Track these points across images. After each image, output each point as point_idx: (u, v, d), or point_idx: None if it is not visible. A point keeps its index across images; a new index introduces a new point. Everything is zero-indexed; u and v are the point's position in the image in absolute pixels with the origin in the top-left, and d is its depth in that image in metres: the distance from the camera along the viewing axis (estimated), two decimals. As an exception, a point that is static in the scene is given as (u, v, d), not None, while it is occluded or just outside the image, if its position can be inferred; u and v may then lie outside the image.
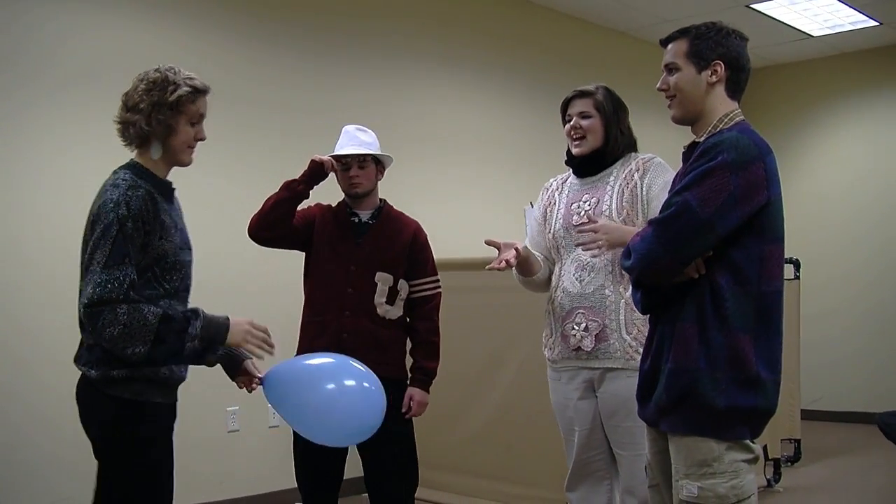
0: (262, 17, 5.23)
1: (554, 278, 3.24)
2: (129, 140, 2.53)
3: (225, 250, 4.82)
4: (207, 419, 4.79)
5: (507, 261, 3.09)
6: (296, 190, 3.37)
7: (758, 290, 2.32)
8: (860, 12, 7.20)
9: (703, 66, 2.42)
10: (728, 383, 2.29)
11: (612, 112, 3.20)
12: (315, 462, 3.40)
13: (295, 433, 3.35)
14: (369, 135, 3.51)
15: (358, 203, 3.50)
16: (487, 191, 6.41)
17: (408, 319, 3.51)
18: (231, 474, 4.89)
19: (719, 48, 2.42)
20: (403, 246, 3.48)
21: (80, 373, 2.48)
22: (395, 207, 3.61)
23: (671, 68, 2.47)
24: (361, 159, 3.43)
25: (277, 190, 3.40)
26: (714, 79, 2.41)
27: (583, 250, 3.01)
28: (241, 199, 5.02)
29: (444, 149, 6.21)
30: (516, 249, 3.11)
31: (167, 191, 2.58)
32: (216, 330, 2.52)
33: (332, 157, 3.42)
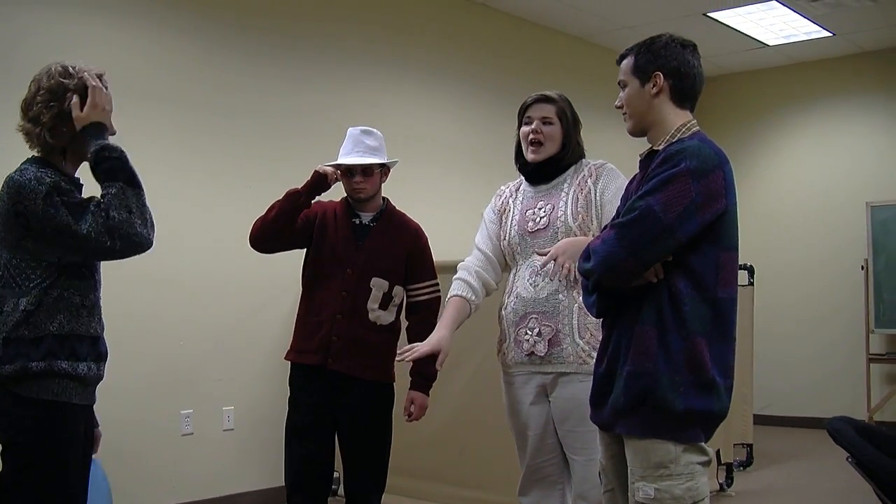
0: (227, 22, 5.19)
1: (508, 284, 3.25)
2: (35, 146, 2.49)
3: (213, 248, 4.84)
4: (160, 422, 4.74)
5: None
6: (297, 201, 3.37)
7: (714, 296, 2.35)
8: (815, 23, 7.32)
9: (645, 79, 2.48)
10: (686, 386, 2.32)
11: (572, 122, 3.23)
12: (308, 460, 3.41)
13: (288, 432, 3.40)
14: (375, 138, 3.48)
15: (361, 206, 3.50)
16: (442, 196, 6.41)
17: (406, 322, 3.53)
18: (184, 478, 4.85)
19: (658, 59, 2.46)
20: (402, 251, 3.49)
21: None
22: (397, 207, 3.60)
23: (622, 85, 2.54)
24: (366, 166, 3.43)
25: (280, 198, 3.37)
26: (655, 90, 2.46)
27: (558, 280, 3.02)
28: (227, 198, 5.02)
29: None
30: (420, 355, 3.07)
31: (78, 189, 2.50)
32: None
33: (335, 165, 3.41)
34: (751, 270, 6.05)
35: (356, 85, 5.92)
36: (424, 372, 3.40)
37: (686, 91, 2.49)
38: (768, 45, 7.89)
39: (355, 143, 3.45)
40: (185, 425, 4.89)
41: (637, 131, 2.54)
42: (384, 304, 3.43)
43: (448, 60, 6.59)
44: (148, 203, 2.44)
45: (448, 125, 6.61)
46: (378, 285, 3.41)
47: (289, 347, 3.49)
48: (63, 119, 2.44)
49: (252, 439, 5.09)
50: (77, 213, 2.34)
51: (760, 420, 6.81)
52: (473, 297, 3.23)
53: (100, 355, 2.52)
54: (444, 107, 6.61)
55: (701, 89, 2.53)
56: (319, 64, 5.69)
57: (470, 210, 5.72)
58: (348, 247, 3.42)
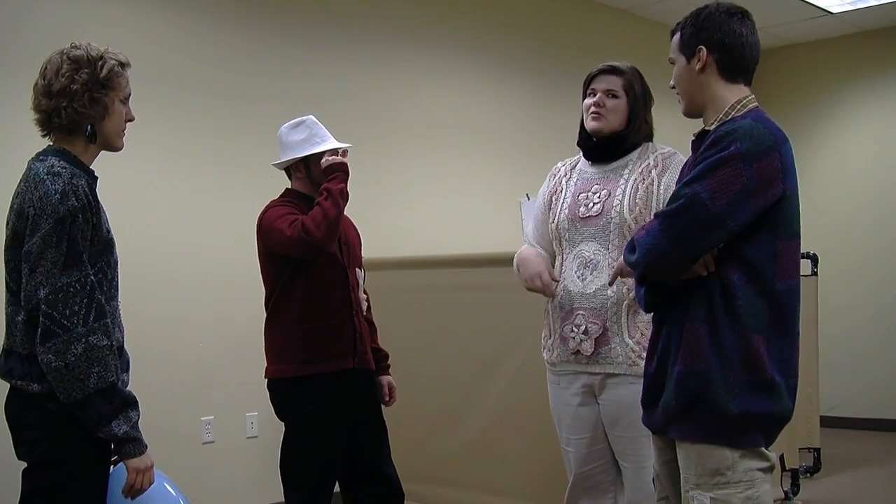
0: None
1: (555, 273, 3.24)
2: (52, 129, 2.49)
3: (233, 244, 4.89)
4: (180, 429, 4.79)
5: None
6: (347, 196, 3.45)
7: (772, 289, 2.33)
8: (883, -14, 7.23)
9: (691, 54, 2.47)
10: (741, 387, 2.30)
11: (641, 96, 3.20)
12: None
13: (329, 445, 3.52)
14: None
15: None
16: (480, 184, 6.42)
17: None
18: (206, 489, 4.89)
19: (702, 32, 2.45)
20: (356, 235, 3.76)
21: (10, 388, 2.44)
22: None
23: (672, 63, 2.54)
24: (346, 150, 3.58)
25: (336, 198, 3.40)
26: (700, 65, 2.45)
27: (608, 275, 3.02)
28: (248, 192, 5.04)
29: (435, 139, 6.22)
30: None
31: (95, 182, 2.52)
32: (136, 437, 2.46)
33: (333, 150, 3.51)
34: (814, 259, 5.99)
35: (384, 67, 5.92)
36: (383, 353, 3.77)
37: (735, 64, 2.46)
38: (831, 13, 7.79)
39: (322, 128, 3.60)
40: (206, 433, 4.93)
41: (691, 112, 2.54)
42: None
43: (486, 40, 6.57)
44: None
45: (484, 110, 6.59)
46: (359, 275, 3.68)
47: (290, 362, 3.51)
48: (95, 86, 2.45)
49: (278, 447, 5.10)
50: (69, 261, 2.34)
51: (828, 422, 6.75)
52: (547, 256, 3.30)
53: (124, 365, 2.56)
54: (480, 90, 6.59)
55: (755, 60, 2.50)
56: (342, 44, 5.70)
57: (510, 197, 5.74)
58: (336, 243, 3.55)
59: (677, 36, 2.52)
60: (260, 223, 3.53)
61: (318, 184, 3.51)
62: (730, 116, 2.42)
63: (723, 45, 2.44)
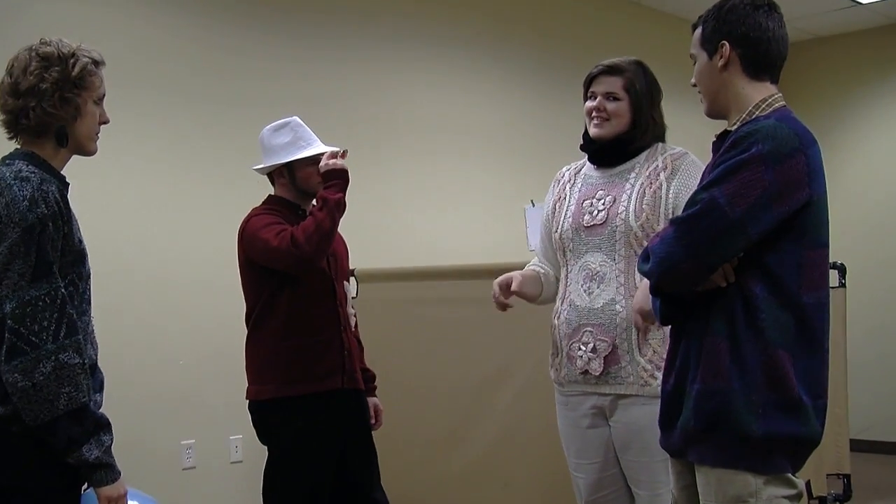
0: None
1: (561, 286, 3.24)
2: (19, 131, 2.48)
3: (216, 256, 4.86)
4: (159, 454, 4.79)
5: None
6: (344, 207, 3.44)
7: (797, 301, 2.32)
8: (917, -25, 7.25)
9: (713, 50, 2.46)
10: (766, 407, 2.29)
11: (645, 94, 3.18)
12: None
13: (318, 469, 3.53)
14: None
15: (308, 201, 3.64)
16: (481, 190, 6.43)
17: None
18: (186, 518, 4.89)
19: (724, 27, 2.44)
20: (343, 246, 3.78)
21: None
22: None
23: (693, 59, 2.53)
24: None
25: (331, 209, 3.38)
26: (722, 62, 2.44)
27: (615, 288, 3.05)
28: (233, 201, 5.02)
29: (435, 143, 6.23)
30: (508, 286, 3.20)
31: (66, 189, 2.51)
32: (109, 463, 2.45)
33: (329, 153, 3.51)
34: (842, 270, 5.98)
35: (378, 67, 5.93)
36: (370, 374, 3.77)
37: (760, 60, 2.44)
38: (861, 3, 7.80)
39: (309, 130, 3.61)
40: (186, 458, 4.93)
41: (714, 112, 2.54)
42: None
43: (485, 36, 6.58)
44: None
45: (486, 111, 6.60)
46: (347, 288, 3.72)
47: (274, 381, 3.51)
48: (66, 86, 2.44)
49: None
50: (38, 273, 2.33)
51: (859, 446, 6.74)
52: (549, 271, 3.32)
53: (98, 384, 2.55)
54: (481, 89, 6.60)
55: (782, 56, 2.50)
56: (335, 43, 5.71)
57: (513, 204, 5.74)
58: None
59: (699, 30, 2.52)
60: (242, 232, 3.52)
61: (302, 190, 3.51)
62: (753, 116, 2.41)
63: (747, 39, 2.43)
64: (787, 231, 2.31)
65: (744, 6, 2.44)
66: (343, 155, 3.49)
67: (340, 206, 3.39)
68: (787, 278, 2.31)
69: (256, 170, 3.68)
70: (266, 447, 3.61)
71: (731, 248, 2.30)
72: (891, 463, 7.58)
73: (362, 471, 3.62)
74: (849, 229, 7.59)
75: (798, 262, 2.32)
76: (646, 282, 2.79)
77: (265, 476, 3.59)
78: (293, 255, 3.30)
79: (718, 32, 2.45)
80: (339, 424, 3.53)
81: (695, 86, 2.55)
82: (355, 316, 3.76)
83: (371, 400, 3.79)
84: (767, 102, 2.43)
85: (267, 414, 3.53)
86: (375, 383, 3.84)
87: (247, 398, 3.59)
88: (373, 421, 3.78)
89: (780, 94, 2.47)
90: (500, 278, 3.23)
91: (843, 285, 6.01)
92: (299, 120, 3.61)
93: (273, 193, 3.68)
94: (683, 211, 2.39)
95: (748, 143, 2.29)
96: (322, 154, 3.50)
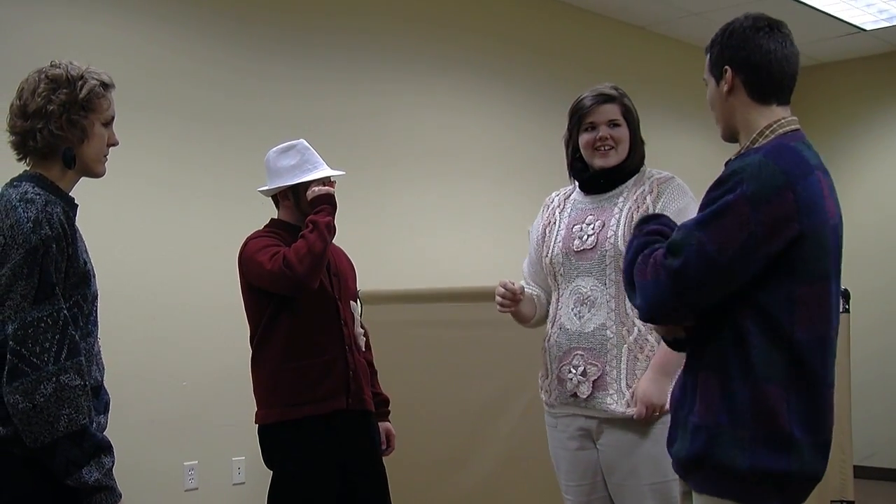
0: (221, 13, 5.24)
1: (551, 309, 3.27)
2: (27, 152, 2.49)
3: (219, 276, 4.89)
4: (161, 475, 4.78)
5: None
6: (334, 230, 3.46)
7: (790, 338, 2.27)
8: (920, 2, 7.26)
9: (719, 76, 2.45)
10: (753, 442, 2.27)
11: (636, 119, 3.24)
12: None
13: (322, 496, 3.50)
14: None
15: None
16: (483, 211, 6.45)
17: None
18: (187, 540, 4.88)
19: (726, 51, 2.43)
20: (349, 266, 3.77)
21: None
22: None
23: (706, 84, 2.52)
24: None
25: (322, 231, 3.39)
26: (726, 87, 2.42)
27: (606, 313, 3.07)
28: (236, 220, 5.03)
29: (437, 164, 6.24)
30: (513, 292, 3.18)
31: (73, 210, 2.52)
32: (110, 485, 2.44)
33: (320, 180, 3.54)
34: (846, 295, 5.96)
35: (383, 88, 5.96)
36: (383, 398, 3.75)
37: (764, 84, 2.41)
38: (864, 30, 7.83)
39: (314, 154, 3.60)
40: (188, 479, 4.92)
41: (727, 136, 2.52)
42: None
43: (488, 60, 6.61)
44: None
45: (488, 133, 6.63)
46: (354, 308, 3.68)
47: (278, 405, 3.50)
48: (73, 108, 2.45)
49: (266, 494, 5.10)
50: (41, 295, 2.33)
51: (862, 473, 6.70)
52: (541, 294, 3.33)
53: (103, 406, 2.55)
54: (484, 112, 6.63)
55: (788, 74, 2.43)
56: (337, 64, 5.73)
57: (512, 228, 5.75)
58: (325, 274, 3.54)
59: (707, 55, 2.50)
60: (241, 255, 3.53)
61: (307, 214, 3.51)
62: (757, 144, 2.39)
63: (748, 63, 2.40)
64: (777, 267, 2.27)
65: (743, 30, 2.42)
66: (332, 183, 3.53)
67: (331, 229, 3.42)
68: (779, 315, 2.27)
69: (261, 191, 3.69)
70: (271, 470, 3.60)
71: (719, 292, 2.29)
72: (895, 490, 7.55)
73: (371, 494, 3.59)
74: (854, 255, 7.55)
75: (790, 298, 2.28)
76: (655, 369, 2.97)
77: (269, 500, 3.57)
78: (286, 276, 3.31)
79: (722, 58, 2.43)
80: (343, 447, 3.50)
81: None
82: (365, 335, 3.73)
83: (383, 425, 3.76)
84: (772, 128, 2.39)
85: (270, 438, 3.53)
86: (389, 408, 3.81)
87: (255, 423, 3.58)
88: (384, 446, 3.75)
89: (788, 118, 2.43)
90: (505, 281, 3.21)
91: (846, 310, 5.99)
92: (306, 143, 3.62)
93: (276, 216, 3.68)
94: (673, 245, 2.32)
95: (733, 183, 2.26)
96: (328, 177, 3.53)
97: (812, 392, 2.31)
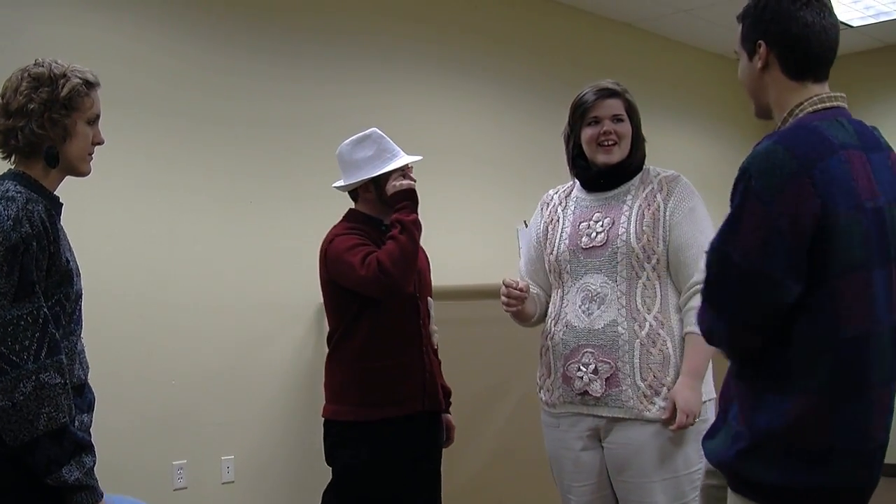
0: (219, 15, 5.22)
1: (552, 307, 3.24)
2: (11, 151, 2.49)
3: (209, 275, 4.92)
4: (149, 474, 4.76)
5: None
6: (420, 227, 3.40)
7: (835, 338, 2.12)
8: (908, -2, 7.26)
9: (752, 50, 2.30)
10: (785, 456, 2.15)
11: (638, 116, 3.23)
12: None
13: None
14: None
15: (388, 216, 3.50)
16: (474, 210, 6.42)
17: None
18: (177, 539, 4.87)
19: (759, 24, 2.28)
20: (426, 260, 3.67)
21: None
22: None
23: (737, 56, 2.39)
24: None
25: (411, 230, 3.35)
26: (760, 63, 2.28)
27: (617, 310, 3.05)
28: (225, 219, 5.04)
29: (428, 163, 6.19)
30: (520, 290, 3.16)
31: (58, 209, 2.52)
32: (90, 485, 2.43)
33: (399, 170, 3.47)
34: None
35: (371, 87, 5.92)
36: (447, 391, 3.64)
37: (800, 60, 2.25)
38: (851, 26, 7.84)
39: (389, 142, 3.53)
40: (177, 478, 4.90)
41: (761, 113, 2.39)
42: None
43: (481, 58, 6.58)
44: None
45: (480, 132, 6.61)
46: (431, 305, 3.58)
47: (350, 403, 3.44)
48: (54, 107, 2.45)
49: (255, 493, 5.10)
50: (21, 293, 2.32)
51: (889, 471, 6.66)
52: (540, 292, 3.31)
53: (86, 405, 2.54)
54: (476, 111, 6.60)
55: (826, 49, 2.27)
56: (331, 64, 5.71)
57: (502, 227, 5.73)
58: None
59: (739, 27, 2.35)
60: (325, 253, 3.44)
61: (388, 204, 3.44)
62: (788, 123, 2.26)
63: (784, 37, 2.25)
64: (812, 261, 2.11)
65: (778, 1, 2.26)
66: (409, 169, 3.47)
67: (418, 227, 3.36)
68: (819, 313, 2.12)
69: (338, 187, 3.59)
70: (330, 468, 3.52)
71: (770, 300, 2.13)
72: None
73: (430, 494, 3.55)
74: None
75: (829, 294, 2.12)
76: (691, 375, 2.95)
77: (324, 499, 3.50)
78: (382, 283, 3.23)
79: (754, 31, 2.29)
80: (412, 451, 3.44)
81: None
82: (437, 333, 3.63)
83: (444, 417, 3.67)
84: (801, 107, 2.25)
85: (336, 435, 3.46)
86: (451, 399, 3.72)
87: (322, 416, 3.53)
88: (444, 439, 3.68)
89: (822, 95, 2.27)
90: (510, 280, 3.19)
91: None
92: (379, 131, 3.55)
93: (353, 208, 3.58)
94: (706, 269, 2.24)
95: (745, 183, 2.14)
96: (407, 165, 3.47)
97: (856, 397, 2.16)
